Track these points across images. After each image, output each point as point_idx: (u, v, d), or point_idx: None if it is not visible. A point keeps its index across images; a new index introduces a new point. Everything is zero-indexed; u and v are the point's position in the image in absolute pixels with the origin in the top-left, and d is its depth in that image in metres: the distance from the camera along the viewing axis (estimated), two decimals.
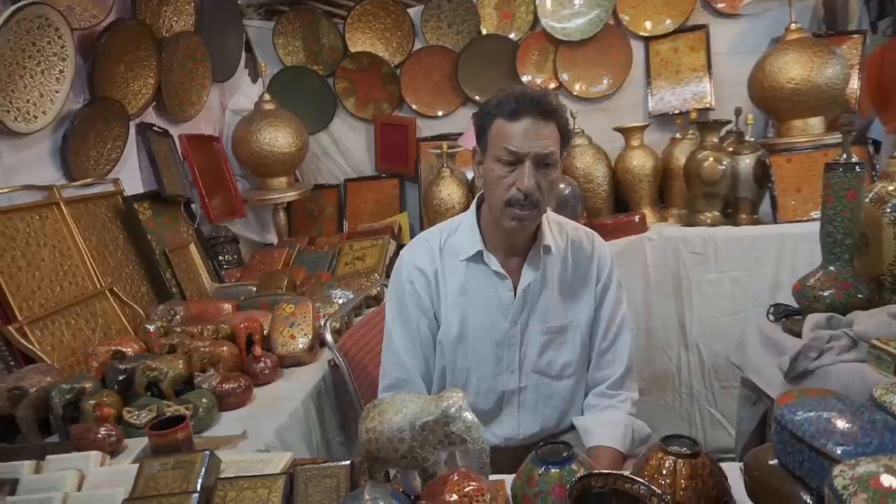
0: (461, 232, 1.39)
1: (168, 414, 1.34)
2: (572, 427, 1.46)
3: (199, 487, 0.96)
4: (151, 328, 1.75)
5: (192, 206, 2.60)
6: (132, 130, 2.29)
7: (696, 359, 2.47)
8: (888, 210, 1.38)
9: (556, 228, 1.42)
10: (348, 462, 0.95)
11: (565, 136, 1.28)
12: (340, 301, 2.08)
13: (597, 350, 1.42)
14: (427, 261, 1.38)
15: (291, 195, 2.95)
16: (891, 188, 1.40)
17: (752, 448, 1.60)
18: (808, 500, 0.74)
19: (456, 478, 0.81)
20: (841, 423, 0.71)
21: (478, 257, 1.35)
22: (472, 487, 0.78)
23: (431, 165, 3.03)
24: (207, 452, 1.02)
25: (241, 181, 3.06)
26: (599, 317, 1.41)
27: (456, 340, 1.37)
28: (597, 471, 0.90)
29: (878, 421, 0.71)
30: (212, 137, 2.89)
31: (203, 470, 0.99)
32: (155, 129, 2.45)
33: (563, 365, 1.39)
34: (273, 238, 3.14)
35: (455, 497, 0.76)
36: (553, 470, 0.91)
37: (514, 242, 1.36)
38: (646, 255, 2.45)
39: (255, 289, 2.33)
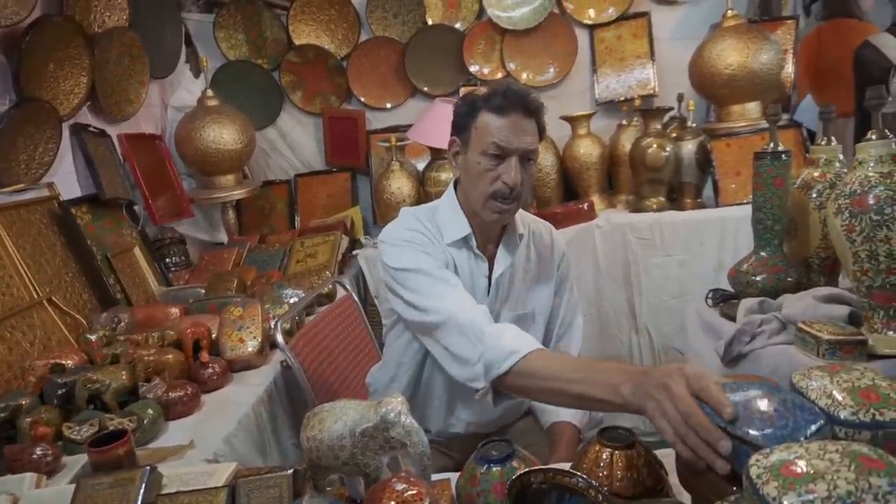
0: (442, 215, 1.39)
1: (111, 428, 1.31)
2: (528, 413, 1.50)
3: None
4: (93, 338, 1.69)
5: (136, 208, 2.53)
6: (66, 132, 2.21)
7: (646, 341, 2.53)
8: (813, 195, 1.43)
9: (518, 218, 1.45)
10: (291, 471, 0.95)
11: (542, 133, 1.32)
12: (291, 301, 2.05)
13: (555, 336, 1.48)
14: (422, 228, 1.36)
15: (240, 193, 2.90)
16: (816, 174, 1.45)
17: None
18: (734, 489, 0.77)
19: (395, 483, 0.81)
20: (757, 408, 0.74)
21: (463, 242, 1.36)
22: (411, 493, 0.79)
23: (382, 158, 3.01)
24: (147, 468, 1.00)
25: (186, 180, 2.99)
26: (558, 303, 1.47)
27: None
28: (536, 467, 0.92)
29: (788, 401, 0.74)
30: (154, 136, 2.80)
31: (143, 487, 0.97)
32: (91, 129, 2.36)
33: None
34: (223, 237, 3.08)
35: (393, 503, 0.77)
36: (494, 468, 0.92)
37: (490, 232, 1.38)
38: (595, 242, 2.49)
39: (203, 291, 2.29)
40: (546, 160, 2.67)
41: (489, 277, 1.37)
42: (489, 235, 1.39)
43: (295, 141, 3.23)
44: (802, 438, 0.69)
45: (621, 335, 2.56)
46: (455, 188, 1.41)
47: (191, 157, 2.78)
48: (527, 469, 0.90)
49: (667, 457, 1.03)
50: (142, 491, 0.97)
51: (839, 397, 0.75)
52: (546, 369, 1.07)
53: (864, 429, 0.72)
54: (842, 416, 0.73)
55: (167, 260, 2.63)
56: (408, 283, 1.26)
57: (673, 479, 0.95)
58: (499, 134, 1.24)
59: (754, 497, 0.63)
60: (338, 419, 0.90)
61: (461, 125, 1.31)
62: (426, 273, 1.25)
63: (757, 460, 0.65)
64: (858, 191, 1.16)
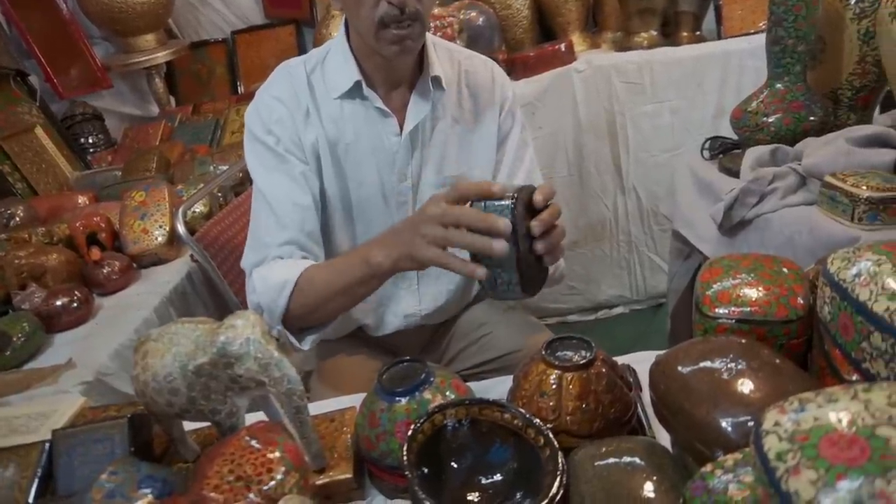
0: (331, 63, 1.04)
1: None
2: (477, 299, 1.24)
3: None
4: None
5: (31, 79, 2.14)
6: None
7: (633, 203, 2.25)
8: (851, 2, 1.07)
9: (446, 56, 1.09)
10: (126, 417, 0.69)
11: None
12: None
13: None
14: (290, 93, 1.03)
15: (163, 55, 2.48)
16: None
17: (684, 307, 1.42)
18: (728, 426, 0.52)
19: (238, 440, 0.55)
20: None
21: (355, 92, 1.03)
22: (254, 462, 0.53)
23: (327, 4, 2.55)
24: None
25: (102, 45, 2.56)
26: (501, 157, 1.13)
27: (333, 203, 1.08)
28: (457, 398, 0.66)
29: None
30: None
31: None
32: None
33: None
34: (156, 110, 2.70)
35: (218, 485, 0.51)
36: (399, 403, 0.67)
37: (396, 74, 1.03)
38: (574, 89, 2.12)
39: (120, 174, 1.98)
40: None
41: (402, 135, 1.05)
42: (397, 78, 1.03)
43: None
44: None
45: (605, 197, 2.27)
46: (347, 26, 1.05)
47: (96, 14, 2.34)
48: (442, 403, 0.65)
49: (642, 362, 0.79)
50: None
51: None
52: (311, 283, 0.94)
53: None
54: None
55: (82, 140, 2.29)
56: (253, 203, 1.05)
57: (645, 397, 0.71)
58: None
59: (770, 488, 0.37)
60: (165, 353, 0.63)
61: None
62: (268, 203, 1.02)
63: (776, 423, 0.38)
64: None
